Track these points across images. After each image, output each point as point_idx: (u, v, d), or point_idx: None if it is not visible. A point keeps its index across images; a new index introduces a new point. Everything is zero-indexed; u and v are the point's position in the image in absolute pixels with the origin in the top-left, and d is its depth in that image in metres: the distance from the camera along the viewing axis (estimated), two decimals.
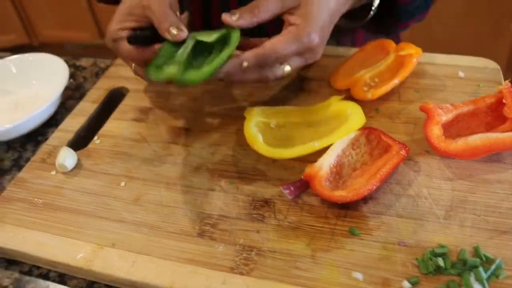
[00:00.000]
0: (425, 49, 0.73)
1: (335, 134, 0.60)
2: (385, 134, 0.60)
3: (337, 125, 0.62)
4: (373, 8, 0.72)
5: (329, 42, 0.67)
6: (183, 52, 0.60)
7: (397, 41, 0.80)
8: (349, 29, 0.77)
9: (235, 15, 0.59)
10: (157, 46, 0.63)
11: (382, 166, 0.56)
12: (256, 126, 0.64)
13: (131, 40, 0.65)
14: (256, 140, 0.61)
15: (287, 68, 0.60)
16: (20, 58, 0.87)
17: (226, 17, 0.60)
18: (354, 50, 0.79)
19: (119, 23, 0.66)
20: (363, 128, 0.61)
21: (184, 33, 0.60)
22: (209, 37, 0.61)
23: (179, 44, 0.61)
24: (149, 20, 0.64)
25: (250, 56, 0.57)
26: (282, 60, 0.59)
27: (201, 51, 0.62)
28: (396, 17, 0.78)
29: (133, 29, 0.65)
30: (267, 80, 0.60)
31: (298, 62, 0.61)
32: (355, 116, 0.61)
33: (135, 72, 0.70)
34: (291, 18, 0.59)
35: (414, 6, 0.78)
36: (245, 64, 0.57)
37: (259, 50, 0.57)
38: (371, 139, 0.61)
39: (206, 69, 0.57)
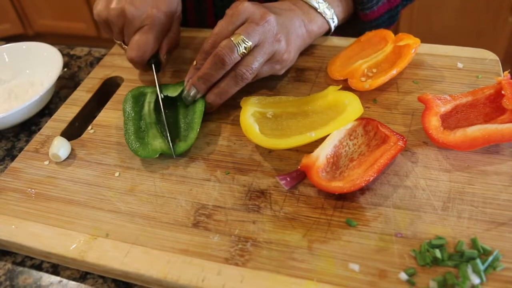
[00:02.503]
0: (424, 41, 0.72)
1: (332, 125, 0.59)
2: (382, 124, 0.59)
3: (334, 115, 0.61)
4: (331, 31, 0.79)
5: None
6: (149, 111, 0.68)
7: (396, 31, 0.80)
8: None
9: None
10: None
11: (379, 157, 0.55)
12: (252, 116, 0.63)
13: None
14: (252, 130, 0.60)
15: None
16: (13, 47, 0.86)
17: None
18: (351, 40, 0.78)
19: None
20: (361, 119, 0.60)
21: None
22: (174, 92, 0.70)
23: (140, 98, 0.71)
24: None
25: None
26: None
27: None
28: (358, 30, 0.81)
29: None
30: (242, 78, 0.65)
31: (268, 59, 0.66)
32: (352, 107, 0.61)
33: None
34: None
35: (376, 23, 0.81)
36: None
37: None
38: (369, 130, 0.60)
39: (190, 138, 0.63)
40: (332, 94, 0.64)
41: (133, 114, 0.67)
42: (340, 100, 0.63)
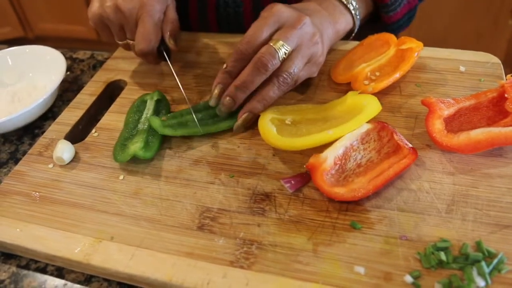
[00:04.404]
0: (424, 44, 0.73)
1: (352, 122, 0.59)
2: (397, 133, 0.58)
3: (353, 117, 0.61)
4: (353, 34, 0.80)
5: None
6: (145, 119, 0.69)
7: (397, 35, 0.81)
8: None
9: None
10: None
11: (386, 169, 0.55)
12: (271, 122, 0.63)
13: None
14: (270, 132, 0.60)
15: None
16: (16, 50, 0.86)
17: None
18: (354, 43, 0.78)
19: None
20: (376, 123, 0.60)
21: None
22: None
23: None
24: None
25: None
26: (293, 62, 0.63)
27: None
28: (382, 30, 0.81)
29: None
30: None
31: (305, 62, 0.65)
32: (371, 105, 0.61)
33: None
34: None
35: (398, 25, 0.83)
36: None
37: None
38: (383, 135, 0.59)
39: (177, 131, 0.65)
40: (351, 98, 0.64)
41: (130, 123, 0.68)
42: (359, 102, 0.63)
